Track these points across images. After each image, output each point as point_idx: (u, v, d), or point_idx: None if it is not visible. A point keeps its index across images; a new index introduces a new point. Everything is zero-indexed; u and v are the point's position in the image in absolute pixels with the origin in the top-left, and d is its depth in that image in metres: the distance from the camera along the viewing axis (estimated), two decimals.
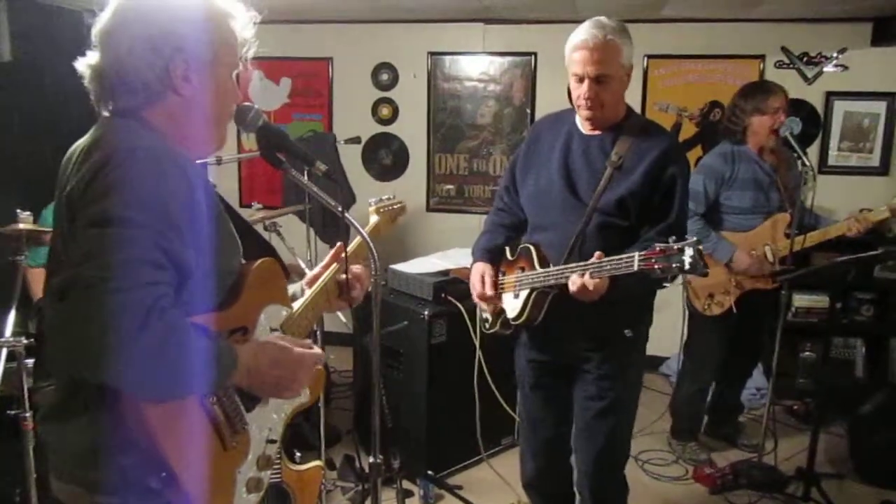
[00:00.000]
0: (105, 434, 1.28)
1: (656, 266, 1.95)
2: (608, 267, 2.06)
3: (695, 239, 1.93)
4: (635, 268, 1.99)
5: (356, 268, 1.83)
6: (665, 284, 2.16)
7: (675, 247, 1.93)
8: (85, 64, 1.40)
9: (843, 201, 4.39)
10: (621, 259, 2.03)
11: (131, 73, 1.36)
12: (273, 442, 1.55)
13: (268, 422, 1.54)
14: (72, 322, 1.14)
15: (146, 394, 1.21)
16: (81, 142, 1.39)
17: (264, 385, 1.43)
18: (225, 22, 1.46)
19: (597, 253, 2.09)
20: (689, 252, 1.91)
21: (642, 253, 1.98)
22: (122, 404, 1.24)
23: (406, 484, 3.28)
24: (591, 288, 2.06)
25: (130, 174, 1.24)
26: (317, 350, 1.53)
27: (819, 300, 4.45)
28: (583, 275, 2.08)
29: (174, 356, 1.17)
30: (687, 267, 1.91)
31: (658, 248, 1.95)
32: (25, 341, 2.60)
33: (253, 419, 1.49)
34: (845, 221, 3.37)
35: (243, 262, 1.53)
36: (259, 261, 1.54)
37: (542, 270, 2.28)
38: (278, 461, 2.09)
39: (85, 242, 1.19)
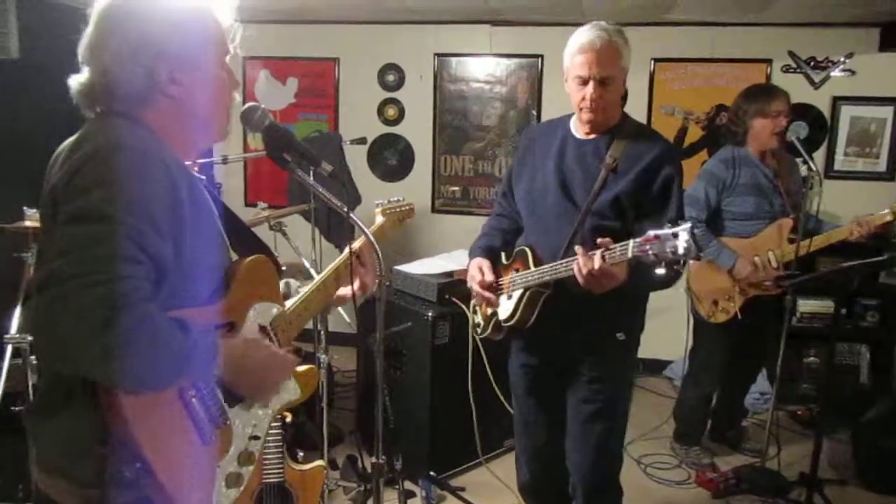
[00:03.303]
0: (86, 425, 1.30)
1: (650, 252, 1.92)
2: (606, 255, 2.04)
3: (689, 224, 1.91)
4: (629, 254, 1.97)
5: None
6: (677, 268, 2.13)
7: (670, 232, 1.91)
8: (77, 81, 1.42)
9: (849, 206, 4.36)
10: (615, 248, 2.02)
11: (117, 83, 1.37)
12: (256, 438, 1.55)
13: (252, 418, 1.55)
14: (46, 317, 1.17)
15: (120, 385, 1.24)
16: (70, 139, 1.41)
17: (244, 383, 1.46)
18: (205, 14, 1.47)
19: (600, 240, 2.04)
20: (683, 237, 1.87)
21: (637, 240, 1.97)
22: (99, 395, 1.27)
23: (408, 485, 3.28)
24: (597, 269, 2.01)
25: (112, 170, 1.26)
26: (291, 356, 1.57)
27: (824, 306, 4.43)
28: (592, 258, 2.04)
29: (145, 348, 1.19)
30: (680, 251, 1.87)
31: (653, 235, 1.93)
32: (30, 338, 2.61)
33: (237, 414, 1.50)
34: (847, 226, 3.36)
35: (234, 258, 1.55)
36: (250, 258, 1.55)
37: (536, 269, 2.29)
38: (280, 460, 2.09)
39: (63, 238, 1.23)
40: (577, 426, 2.45)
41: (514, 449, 3.58)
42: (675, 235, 1.90)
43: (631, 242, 1.98)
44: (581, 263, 2.06)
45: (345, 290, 1.89)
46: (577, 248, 2.08)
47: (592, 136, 2.32)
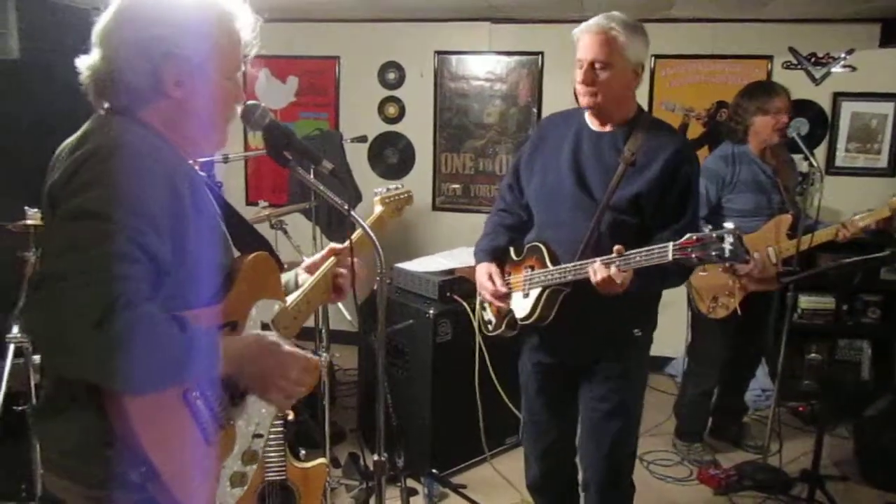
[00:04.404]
0: (90, 427, 1.29)
1: (693, 255, 1.94)
2: (638, 258, 2.04)
3: (733, 226, 1.93)
4: (669, 257, 1.97)
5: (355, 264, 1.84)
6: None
7: (714, 235, 1.92)
8: (85, 63, 1.41)
9: (850, 203, 4.37)
10: (653, 249, 2.02)
11: (121, 75, 1.37)
12: (260, 437, 1.55)
13: (255, 416, 1.55)
14: (44, 315, 1.16)
15: (120, 386, 1.22)
16: (71, 138, 1.40)
17: (252, 376, 1.43)
18: (224, 25, 1.46)
19: (616, 247, 2.07)
20: (729, 240, 1.90)
21: (677, 243, 1.97)
22: (104, 398, 1.26)
23: (410, 482, 3.28)
24: (618, 280, 2.04)
25: (110, 170, 1.26)
26: (312, 356, 1.53)
27: (825, 302, 4.43)
28: (608, 266, 2.06)
29: (142, 348, 1.17)
30: (727, 255, 1.91)
31: (694, 237, 1.95)
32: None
33: (239, 413, 1.50)
34: (833, 227, 3.36)
35: (237, 256, 1.54)
36: (251, 255, 1.55)
37: (556, 267, 2.26)
38: (282, 458, 2.10)
39: (61, 236, 1.22)
40: (593, 424, 2.43)
41: (516, 446, 3.58)
42: (721, 238, 1.91)
43: (670, 245, 1.98)
44: (596, 268, 2.07)
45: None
46: (617, 248, 2.07)
47: (609, 129, 2.30)
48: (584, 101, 2.26)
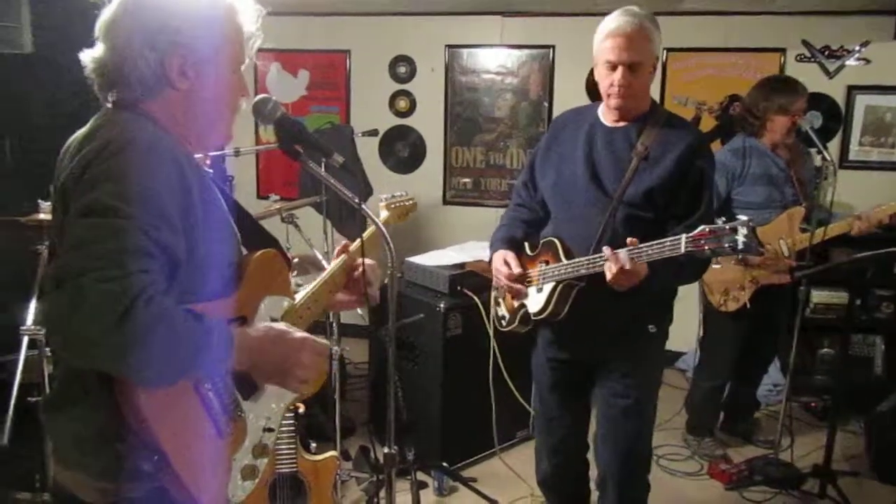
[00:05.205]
0: (102, 420, 1.30)
1: (706, 247, 1.92)
2: (650, 251, 2.02)
3: (746, 218, 1.91)
4: (682, 250, 1.96)
5: (369, 262, 1.84)
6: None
7: (727, 227, 1.90)
8: (90, 56, 1.41)
9: (863, 197, 4.34)
10: (664, 242, 2.00)
11: (127, 65, 1.37)
12: (270, 431, 1.56)
13: (265, 410, 1.55)
14: (63, 311, 1.15)
15: (139, 379, 1.23)
16: (79, 132, 1.41)
17: (266, 367, 1.42)
18: (229, 16, 1.46)
19: (629, 239, 2.06)
20: (742, 231, 1.88)
21: (689, 234, 1.95)
22: (117, 391, 1.27)
23: (420, 475, 3.29)
24: (628, 268, 2.02)
25: (122, 165, 1.26)
26: (323, 340, 1.52)
27: (838, 297, 4.40)
28: (619, 255, 2.04)
29: (162, 342, 1.18)
30: (741, 246, 1.89)
31: (707, 230, 1.93)
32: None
33: (250, 407, 1.50)
34: (848, 219, 3.33)
35: (244, 252, 1.55)
36: (259, 252, 1.55)
37: (569, 261, 2.25)
38: (293, 450, 2.11)
39: (76, 232, 1.22)
40: (609, 420, 2.42)
41: (526, 440, 3.58)
42: (734, 230, 1.89)
43: (683, 237, 1.97)
44: (611, 262, 2.05)
45: (342, 297, 1.88)
46: (605, 249, 2.07)
47: (622, 124, 2.29)
48: (616, 102, 2.23)
